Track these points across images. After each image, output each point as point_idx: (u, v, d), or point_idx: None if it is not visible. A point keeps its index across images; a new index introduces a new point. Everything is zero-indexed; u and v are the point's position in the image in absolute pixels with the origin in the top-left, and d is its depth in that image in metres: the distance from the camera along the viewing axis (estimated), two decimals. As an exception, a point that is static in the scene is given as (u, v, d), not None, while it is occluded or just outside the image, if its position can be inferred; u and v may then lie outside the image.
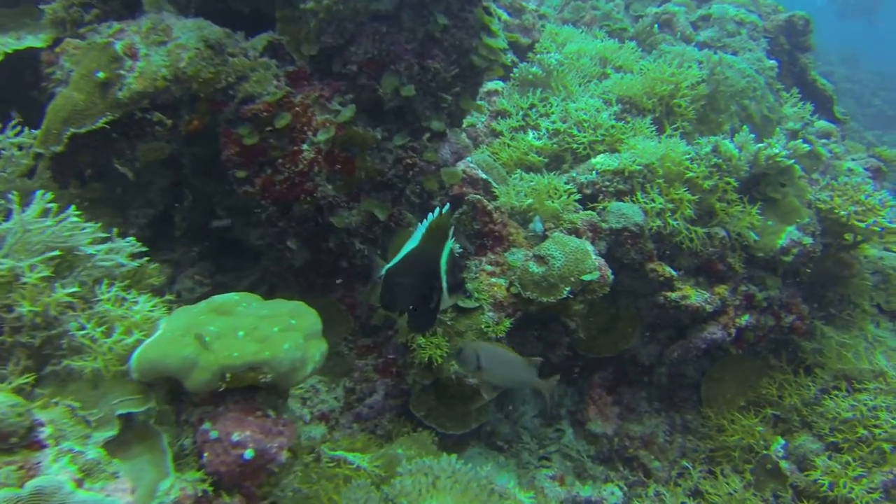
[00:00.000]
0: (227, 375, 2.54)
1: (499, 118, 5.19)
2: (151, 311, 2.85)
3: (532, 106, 5.19)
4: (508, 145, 4.92)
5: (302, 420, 3.91)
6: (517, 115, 5.16)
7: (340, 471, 3.42)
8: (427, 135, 3.76)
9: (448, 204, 2.75)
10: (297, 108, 3.61)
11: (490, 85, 5.43)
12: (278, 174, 3.63)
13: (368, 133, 3.57)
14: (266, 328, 2.71)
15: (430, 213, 2.62)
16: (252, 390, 2.70)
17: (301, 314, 2.88)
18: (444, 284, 2.70)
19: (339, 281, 4.09)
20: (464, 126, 5.14)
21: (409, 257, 2.67)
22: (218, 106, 3.59)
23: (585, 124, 4.84)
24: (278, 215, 3.76)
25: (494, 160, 4.79)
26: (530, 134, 4.99)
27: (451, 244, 2.67)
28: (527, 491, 4.04)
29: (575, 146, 4.79)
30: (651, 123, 4.85)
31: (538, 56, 5.41)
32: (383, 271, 2.69)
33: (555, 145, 4.86)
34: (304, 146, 3.59)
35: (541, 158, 4.82)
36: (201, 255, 4.41)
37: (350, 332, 4.13)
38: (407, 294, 2.70)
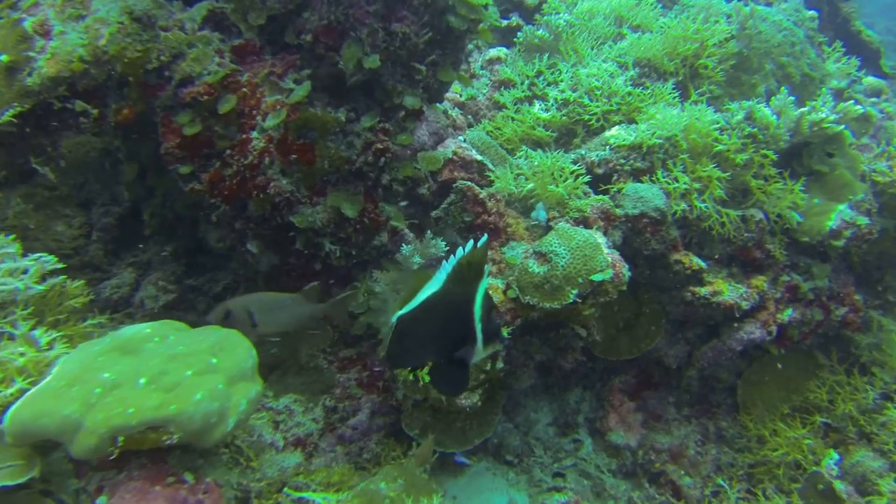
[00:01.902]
0: (120, 438, 1.91)
1: (502, 89, 4.46)
2: (47, 349, 2.23)
3: (539, 74, 4.45)
4: (512, 119, 4.19)
5: (274, 448, 3.30)
6: (522, 84, 4.42)
7: (307, 517, 2.80)
8: (401, 114, 3.06)
9: (486, 236, 2.06)
10: (244, 89, 2.94)
11: (492, 52, 4.69)
12: (227, 167, 2.98)
13: (328, 115, 2.89)
14: (176, 372, 2.07)
15: (461, 248, 2.02)
16: (164, 450, 2.08)
17: (227, 349, 2.23)
18: (479, 334, 2.06)
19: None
20: (464, 99, 4.43)
21: (432, 302, 2.05)
22: (152, 90, 2.94)
23: (598, 92, 4.09)
24: (233, 215, 3.11)
25: (496, 137, 4.08)
26: (537, 105, 4.25)
27: (486, 283, 2.06)
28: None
29: (587, 117, 4.05)
30: (673, 88, 4.08)
31: (545, 17, 4.64)
32: (394, 318, 2.04)
33: (564, 117, 4.13)
34: (254, 133, 2.93)
35: (549, 133, 4.09)
36: (174, 255, 3.80)
37: (329, 343, 3.48)
38: (427, 346, 2.13)
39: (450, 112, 3.75)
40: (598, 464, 3.88)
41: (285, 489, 2.88)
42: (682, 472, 3.77)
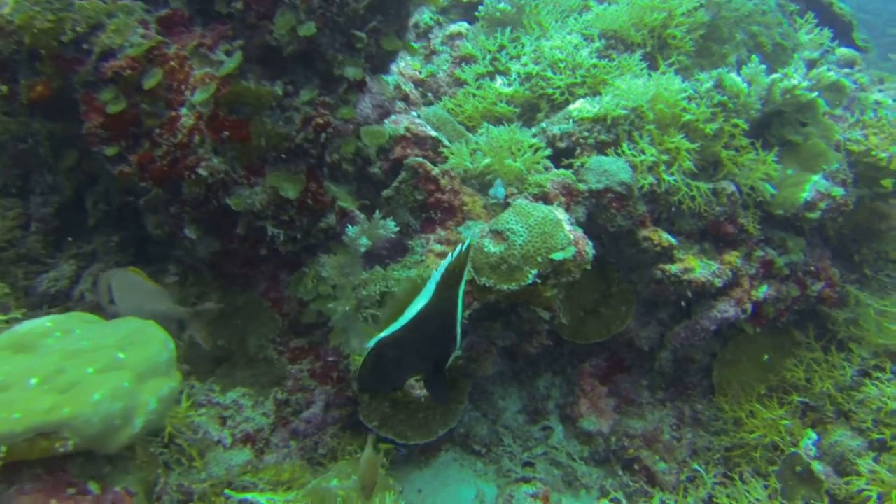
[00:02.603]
0: (2, 448, 1.65)
1: (463, 64, 4.20)
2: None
3: (501, 48, 4.19)
4: (474, 95, 3.94)
5: (221, 445, 3.04)
6: (484, 59, 4.16)
7: (249, 521, 2.55)
8: (343, 86, 2.80)
9: (469, 239, 1.95)
10: (171, 63, 2.67)
11: (453, 27, 4.42)
12: (157, 147, 2.72)
13: (263, 88, 2.63)
14: (75, 370, 1.81)
15: (449, 254, 1.99)
16: (64, 457, 1.82)
17: (139, 342, 1.97)
18: (459, 334, 2.03)
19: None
20: (424, 76, 4.17)
21: (422, 319, 1.97)
22: (69, 65, 2.67)
23: (562, 65, 3.83)
24: (167, 199, 2.85)
25: (457, 114, 3.82)
26: (499, 80, 4.00)
27: (464, 285, 2.05)
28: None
29: (550, 91, 3.80)
30: (641, 60, 3.83)
31: (507, -11, 4.38)
32: (372, 343, 1.94)
33: (527, 92, 3.87)
34: (183, 110, 2.66)
35: (512, 108, 3.83)
36: (121, 245, 3.52)
37: (278, 332, 3.22)
38: (414, 363, 2.08)
39: (403, 87, 3.48)
40: (570, 451, 3.65)
41: (226, 490, 2.63)
42: (657, 458, 3.55)
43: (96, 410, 1.72)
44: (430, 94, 4.16)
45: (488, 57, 4.17)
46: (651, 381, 3.76)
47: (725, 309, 3.33)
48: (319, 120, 2.72)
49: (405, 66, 4.12)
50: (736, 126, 3.27)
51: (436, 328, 1.98)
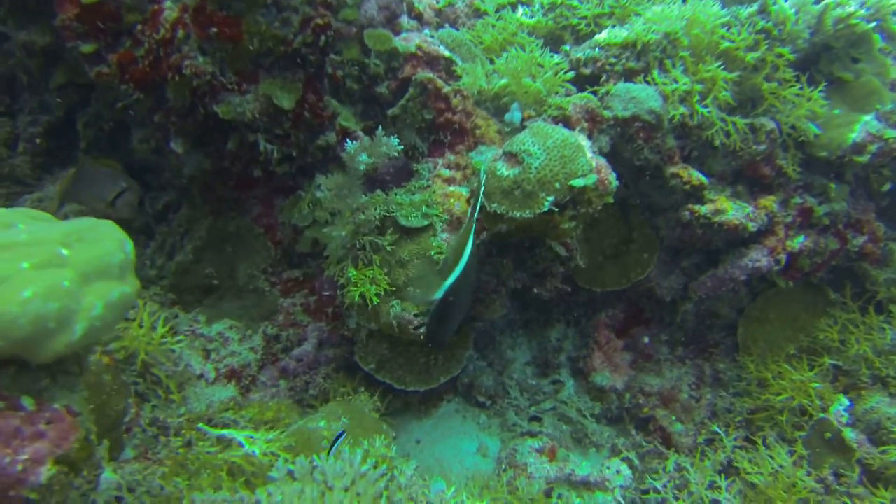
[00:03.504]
0: (-89, 347, 1.36)
1: (483, -6, 3.83)
2: None
3: (525, -23, 3.82)
4: (493, 26, 3.57)
5: (203, 379, 2.76)
6: (507, -12, 3.79)
7: (225, 457, 2.27)
8: (347, -16, 2.47)
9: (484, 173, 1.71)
10: (155, -54, 2.34)
11: (474, -46, 4.05)
12: (139, 47, 2.40)
13: (256, -21, 2.30)
14: (6, 264, 1.50)
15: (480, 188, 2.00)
16: (-6, 364, 1.53)
17: (89, 240, 1.67)
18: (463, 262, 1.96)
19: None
20: (441, 5, 3.81)
21: (469, 260, 2.00)
22: (41, -54, 2.36)
23: (589, -8, 3.47)
24: (151, 106, 2.54)
25: (475, 45, 3.47)
26: (520, 10, 3.63)
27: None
28: (500, 475, 2.87)
29: (575, 22, 3.43)
30: (676, -9, 3.46)
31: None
32: (440, 293, 1.94)
33: (551, 22, 3.50)
34: (167, 2, 2.34)
35: (533, 40, 3.47)
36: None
37: (270, 261, 2.93)
38: (465, 308, 2.17)
39: (416, 5, 3.13)
40: (581, 407, 3.34)
41: (200, 425, 2.35)
42: (673, 418, 3.23)
43: (25, 310, 1.42)
44: (447, 25, 3.81)
45: (510, -14, 3.80)
46: (671, 336, 3.43)
47: (757, 258, 2.98)
48: (319, 21, 2.39)
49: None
50: (780, 56, 2.90)
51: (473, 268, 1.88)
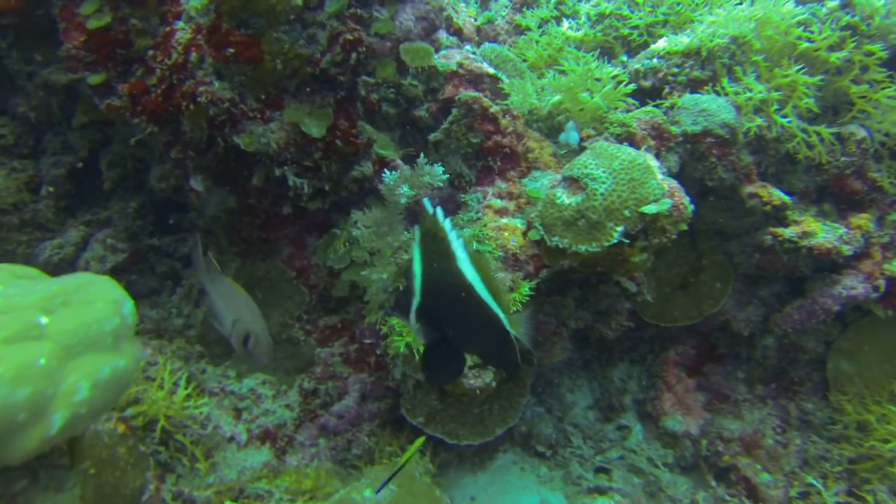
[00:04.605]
0: None
1: (524, 9, 3.49)
2: None
3: (568, -11, 3.48)
4: (537, 42, 3.23)
5: (234, 443, 2.41)
6: (548, 2, 3.45)
7: (256, 541, 1.91)
8: (379, -6, 2.14)
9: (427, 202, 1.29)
10: (165, -37, 2.05)
11: (512, -31, 3.72)
12: (150, 74, 2.10)
13: (277, -7, 1.98)
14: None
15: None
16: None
17: (75, 303, 1.34)
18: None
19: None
20: (480, 22, 3.49)
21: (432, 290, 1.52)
22: (42, -31, 2.07)
23: (640, 0, 3.11)
24: (167, 140, 2.23)
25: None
26: (565, 24, 3.28)
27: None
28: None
29: (626, 32, 3.07)
30: (734, -5, 3.08)
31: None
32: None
33: (599, 34, 3.15)
34: (179, 23, 2.03)
35: (583, 54, 3.12)
36: (139, 212, 2.94)
37: (305, 308, 2.59)
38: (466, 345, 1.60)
39: (455, 19, 2.79)
40: (651, 456, 2.93)
41: (226, 502, 1.99)
42: (759, 467, 2.79)
43: (-12, 397, 1.09)
44: (486, 43, 3.47)
45: (553, 0, 3.46)
46: (749, 373, 3.00)
47: (852, 285, 2.55)
48: (349, 36, 2.06)
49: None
50: (870, 54, 2.49)
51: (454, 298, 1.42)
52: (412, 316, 1.45)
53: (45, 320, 1.25)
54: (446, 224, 1.32)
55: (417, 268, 1.39)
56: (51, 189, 2.93)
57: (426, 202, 1.33)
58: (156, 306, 2.90)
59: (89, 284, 1.40)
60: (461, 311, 1.41)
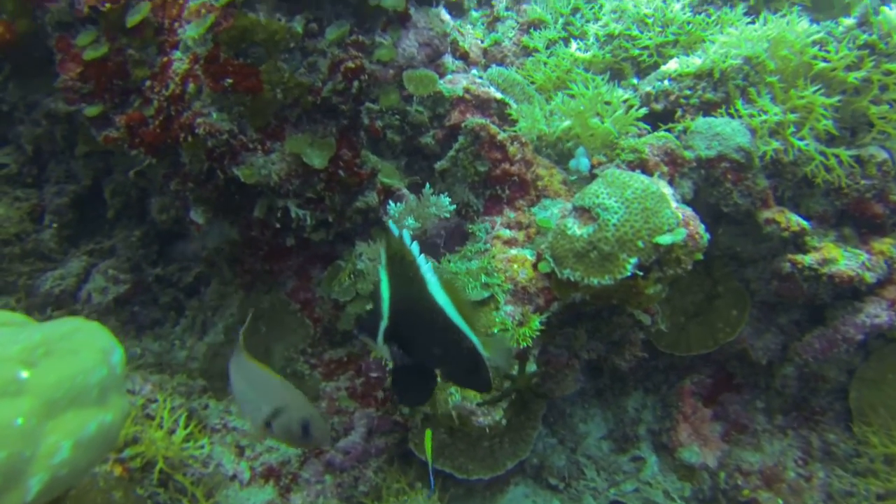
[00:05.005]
0: None
1: (531, 30, 3.42)
2: None
3: (575, 10, 3.39)
4: (545, 63, 3.15)
5: (237, 481, 2.32)
6: (556, 23, 3.38)
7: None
8: (381, 20, 2.07)
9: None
10: (162, -7, 1.98)
11: (519, -10, 3.66)
12: (148, 105, 2.03)
13: (276, 23, 1.91)
14: (-57, 397, 1.10)
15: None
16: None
17: (59, 353, 1.25)
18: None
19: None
20: (487, 45, 3.42)
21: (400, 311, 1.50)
22: (36, 1, 2.01)
23: (650, 20, 3.02)
24: (166, 172, 2.16)
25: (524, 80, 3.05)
26: (574, 45, 3.20)
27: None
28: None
29: (636, 53, 2.99)
30: (744, 14, 2.99)
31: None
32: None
33: (608, 55, 3.07)
34: (176, 53, 1.96)
35: (592, 76, 3.03)
36: (144, 241, 2.88)
37: (309, 341, 2.50)
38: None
39: (461, 43, 2.71)
40: (668, 489, 2.80)
41: (227, 551, 1.90)
42: (781, 502, 2.67)
43: (-43, 465, 1.01)
44: (493, 66, 3.40)
45: (560, 21, 3.38)
46: (768, 402, 2.88)
47: (876, 313, 2.44)
48: (351, 64, 1.99)
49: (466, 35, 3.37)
50: (889, 73, 2.40)
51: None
52: (379, 338, 1.42)
53: (25, 374, 1.16)
54: (414, 248, 1.30)
55: (385, 290, 1.38)
56: (54, 224, 2.88)
57: (391, 224, 1.33)
58: (158, 338, 2.82)
59: (75, 332, 1.32)
60: (431, 335, 1.39)
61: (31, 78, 2.23)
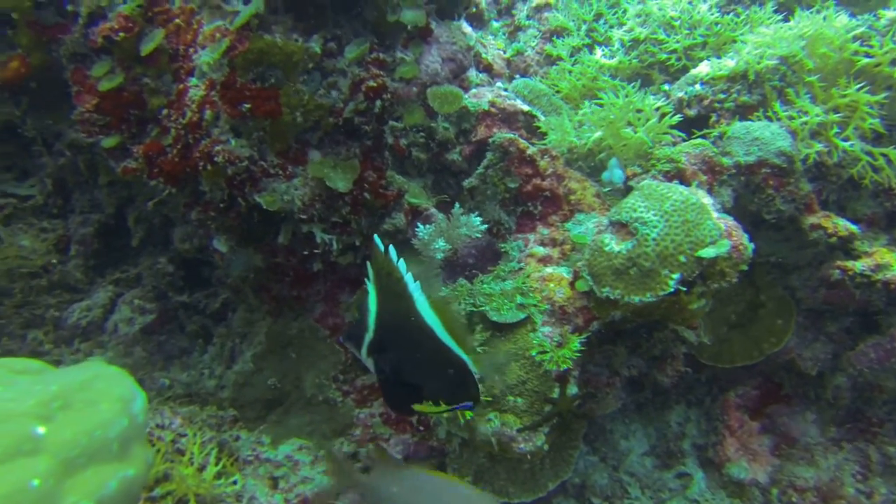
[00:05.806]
0: None
1: (554, 38, 3.31)
2: None
3: (599, 17, 3.29)
4: (570, 72, 3.04)
5: (270, 515, 2.22)
6: (579, 30, 3.27)
7: None
8: (402, 37, 1.97)
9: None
10: (176, 20, 1.90)
11: (539, -2, 3.55)
12: (166, 134, 1.95)
13: (293, 44, 1.82)
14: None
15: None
16: None
17: (77, 405, 1.17)
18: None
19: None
20: (509, 55, 3.32)
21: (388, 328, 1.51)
22: (51, 33, 1.94)
23: (676, 23, 2.90)
24: (186, 201, 2.09)
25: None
26: (598, 52, 3.09)
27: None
28: None
29: (663, 57, 2.87)
30: (774, 12, 2.85)
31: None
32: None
33: (635, 61, 2.95)
34: (192, 80, 1.88)
35: (619, 83, 2.92)
36: (169, 267, 2.81)
37: (341, 367, 2.40)
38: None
39: (484, 55, 2.61)
40: (717, 508, 2.66)
41: None
42: (839, 520, 2.52)
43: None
44: (517, 77, 3.30)
45: (584, 28, 3.27)
46: (819, 414, 2.73)
47: (933, 318, 2.29)
48: (372, 83, 1.89)
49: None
50: (938, 67, 2.25)
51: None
52: (364, 350, 1.44)
53: (41, 430, 1.08)
54: (400, 265, 1.31)
55: (373, 303, 1.39)
56: (80, 255, 2.83)
57: (377, 239, 1.33)
58: (186, 368, 2.75)
59: (94, 380, 1.23)
60: (418, 352, 1.38)
61: (49, 111, 2.17)
